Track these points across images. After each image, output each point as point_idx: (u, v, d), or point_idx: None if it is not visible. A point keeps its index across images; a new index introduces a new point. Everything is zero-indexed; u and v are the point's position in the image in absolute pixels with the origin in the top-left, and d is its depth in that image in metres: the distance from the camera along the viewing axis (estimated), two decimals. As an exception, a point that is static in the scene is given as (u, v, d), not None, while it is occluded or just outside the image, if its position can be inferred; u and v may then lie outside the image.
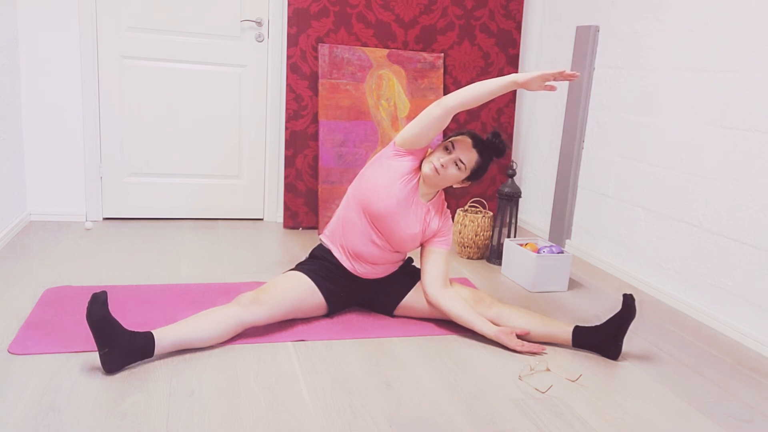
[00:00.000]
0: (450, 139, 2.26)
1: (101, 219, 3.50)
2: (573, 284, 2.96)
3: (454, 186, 2.31)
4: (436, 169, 2.21)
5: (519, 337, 2.23)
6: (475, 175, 2.28)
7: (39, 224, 3.34)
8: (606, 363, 2.15)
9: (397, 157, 2.26)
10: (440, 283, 2.30)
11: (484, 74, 3.79)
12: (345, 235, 2.31)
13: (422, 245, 2.36)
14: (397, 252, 2.34)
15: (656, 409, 1.88)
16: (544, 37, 3.80)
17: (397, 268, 2.42)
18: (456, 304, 2.27)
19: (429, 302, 2.33)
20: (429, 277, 2.31)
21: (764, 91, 2.35)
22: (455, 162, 2.21)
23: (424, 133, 2.19)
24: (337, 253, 2.34)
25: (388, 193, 2.22)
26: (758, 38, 2.38)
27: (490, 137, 2.27)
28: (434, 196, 2.33)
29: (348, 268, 2.33)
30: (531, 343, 2.21)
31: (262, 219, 3.75)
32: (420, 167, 2.28)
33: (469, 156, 2.22)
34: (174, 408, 1.71)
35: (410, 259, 2.50)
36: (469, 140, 2.24)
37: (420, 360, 2.08)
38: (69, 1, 3.22)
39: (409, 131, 2.21)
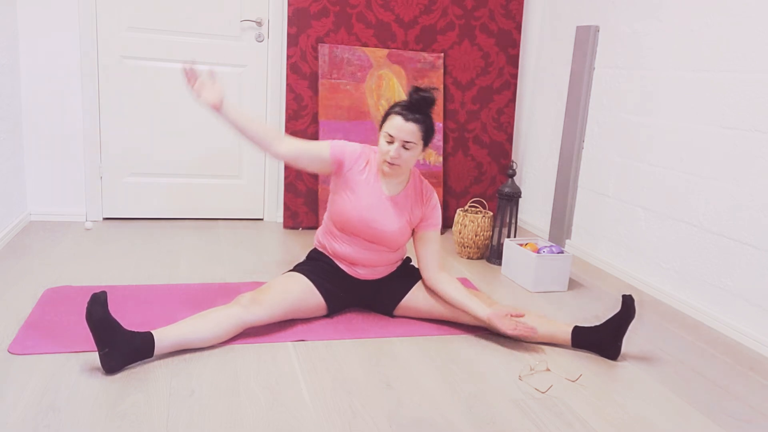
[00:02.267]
0: (383, 129, 2.18)
1: (101, 219, 3.50)
2: (573, 284, 2.96)
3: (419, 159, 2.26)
4: (392, 163, 2.17)
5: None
6: (428, 139, 2.21)
7: (39, 224, 3.34)
8: (606, 363, 2.15)
9: (340, 172, 2.25)
10: (434, 266, 2.31)
11: (484, 74, 3.79)
12: (336, 248, 2.32)
13: (413, 231, 2.36)
14: (393, 251, 2.34)
15: (656, 409, 1.88)
16: (544, 37, 3.80)
17: (396, 268, 2.42)
18: (450, 287, 2.27)
19: (428, 286, 2.34)
20: (423, 263, 2.32)
21: (764, 91, 2.35)
22: (402, 146, 2.15)
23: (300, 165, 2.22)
24: (334, 258, 2.34)
25: (355, 206, 2.22)
26: (758, 38, 2.38)
27: (412, 96, 2.16)
28: (407, 183, 2.30)
29: (346, 271, 2.33)
30: (524, 325, 2.16)
31: (262, 219, 3.75)
32: (364, 163, 2.25)
33: (409, 132, 2.14)
34: (174, 408, 1.71)
35: (408, 259, 2.50)
36: (399, 118, 2.15)
37: (420, 360, 2.08)
38: (69, 1, 3.22)
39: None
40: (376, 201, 2.24)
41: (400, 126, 2.14)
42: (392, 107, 2.19)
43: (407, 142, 2.15)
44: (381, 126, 2.21)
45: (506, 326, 2.14)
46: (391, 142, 2.16)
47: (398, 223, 2.26)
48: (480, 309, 2.20)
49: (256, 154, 3.64)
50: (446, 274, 2.31)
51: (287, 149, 2.18)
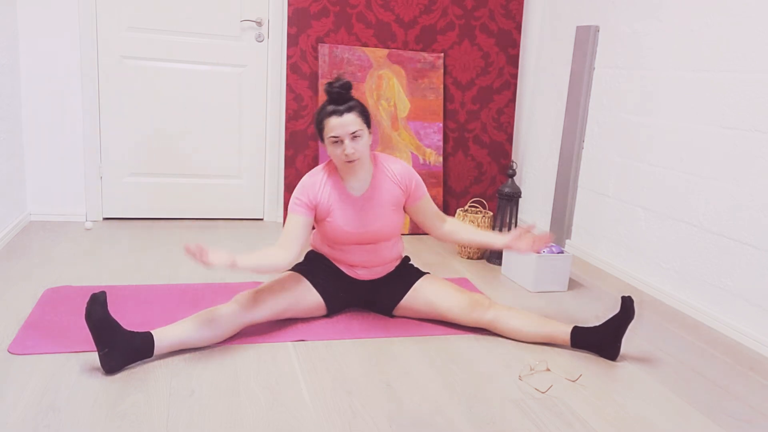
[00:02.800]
0: (325, 137, 2.14)
1: (101, 219, 3.50)
2: (573, 284, 2.96)
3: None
4: (350, 160, 2.13)
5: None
6: (368, 120, 2.18)
7: (39, 224, 3.34)
8: (606, 363, 2.15)
9: (317, 209, 2.24)
10: (438, 222, 2.37)
11: (484, 74, 3.79)
12: (333, 254, 2.34)
13: (404, 208, 2.34)
14: (391, 241, 2.34)
15: (656, 409, 1.88)
16: (544, 37, 3.80)
17: (394, 267, 2.42)
18: (462, 234, 2.36)
19: (442, 241, 2.42)
20: (427, 226, 2.38)
21: (764, 91, 2.35)
22: (351, 138, 2.12)
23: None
24: (332, 261, 2.35)
25: (338, 224, 2.23)
26: (758, 38, 2.38)
27: (331, 91, 2.12)
28: (373, 173, 2.26)
29: (345, 272, 2.34)
30: (539, 238, 2.22)
31: (262, 219, 3.75)
32: (321, 186, 2.23)
33: (351, 122, 2.10)
34: (174, 408, 1.71)
35: (407, 258, 2.50)
36: (334, 117, 2.10)
37: (420, 360, 2.08)
38: (69, 1, 3.22)
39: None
40: (355, 208, 2.23)
41: (339, 123, 2.11)
42: (319, 115, 2.15)
43: (354, 132, 2.11)
44: (321, 137, 2.17)
45: (526, 247, 2.23)
46: (340, 142, 2.12)
47: (384, 215, 2.26)
48: (498, 240, 2.28)
49: (256, 154, 3.65)
50: (450, 221, 2.38)
51: (290, 252, 2.16)
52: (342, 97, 2.13)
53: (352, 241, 2.26)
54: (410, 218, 2.36)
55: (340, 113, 2.11)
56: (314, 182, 2.23)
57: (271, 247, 2.15)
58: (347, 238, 2.25)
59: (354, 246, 2.28)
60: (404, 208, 2.34)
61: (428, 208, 2.35)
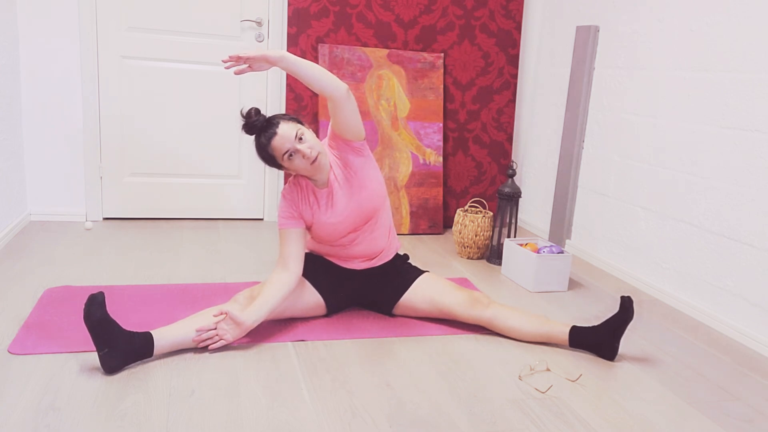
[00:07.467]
0: (281, 159, 2.14)
1: (101, 219, 3.50)
2: (573, 284, 2.96)
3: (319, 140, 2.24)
4: (314, 158, 2.12)
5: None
6: (297, 119, 2.18)
7: (39, 224, 3.34)
8: (606, 363, 2.15)
9: (304, 219, 2.27)
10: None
11: (484, 74, 3.79)
12: (335, 252, 2.34)
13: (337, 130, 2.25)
14: (387, 226, 2.35)
15: (656, 409, 1.88)
16: (544, 37, 3.80)
17: (392, 258, 2.41)
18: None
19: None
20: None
21: (764, 91, 2.35)
22: (299, 141, 2.11)
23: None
24: (329, 258, 2.36)
25: (327, 224, 2.23)
26: (758, 38, 2.38)
27: (254, 124, 2.13)
28: (328, 166, 2.24)
29: (343, 265, 2.35)
30: None
31: (262, 219, 3.75)
32: (299, 196, 2.25)
33: (288, 132, 2.09)
34: (174, 408, 1.71)
35: (406, 256, 2.49)
36: (273, 139, 2.10)
37: (420, 360, 2.08)
38: (69, 1, 3.22)
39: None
40: (333, 197, 2.23)
41: (281, 142, 2.09)
42: (261, 149, 2.14)
43: (296, 134, 2.10)
44: (278, 165, 2.17)
45: None
46: (294, 154, 2.11)
47: (358, 179, 2.24)
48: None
49: (257, 154, 3.64)
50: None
51: (293, 271, 2.18)
52: (265, 122, 2.13)
53: (348, 229, 2.26)
54: (338, 122, 2.22)
55: (274, 133, 2.09)
56: (292, 196, 2.25)
57: (271, 275, 2.18)
58: (344, 229, 2.25)
59: (352, 235, 2.28)
60: (338, 132, 2.23)
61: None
